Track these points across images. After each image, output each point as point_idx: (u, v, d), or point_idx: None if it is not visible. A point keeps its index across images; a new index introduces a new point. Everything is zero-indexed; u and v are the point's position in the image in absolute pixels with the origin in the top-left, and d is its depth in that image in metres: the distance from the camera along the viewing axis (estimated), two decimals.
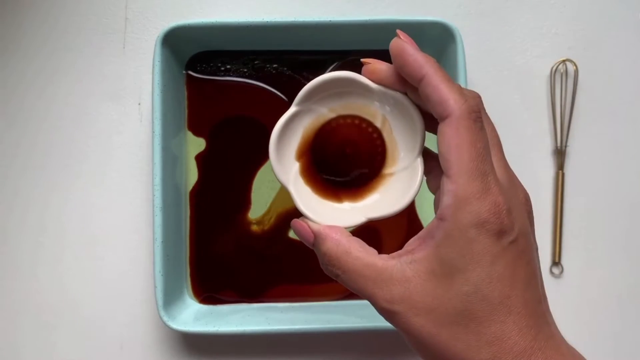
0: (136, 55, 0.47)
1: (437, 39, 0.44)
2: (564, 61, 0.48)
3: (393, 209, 0.29)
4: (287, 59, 0.47)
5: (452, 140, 0.25)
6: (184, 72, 0.46)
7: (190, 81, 0.47)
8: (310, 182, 0.31)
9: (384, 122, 0.30)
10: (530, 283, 0.25)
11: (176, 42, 0.43)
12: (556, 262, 0.47)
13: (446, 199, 0.25)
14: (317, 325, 0.43)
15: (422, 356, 0.26)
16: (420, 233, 0.27)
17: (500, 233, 0.24)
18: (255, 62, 0.47)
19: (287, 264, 0.46)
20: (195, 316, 0.44)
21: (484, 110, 0.28)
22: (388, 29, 0.44)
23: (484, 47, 0.48)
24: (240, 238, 0.46)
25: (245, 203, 0.46)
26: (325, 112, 0.31)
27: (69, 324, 0.47)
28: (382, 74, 0.28)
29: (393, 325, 0.26)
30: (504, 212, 0.24)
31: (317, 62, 0.47)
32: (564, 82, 0.48)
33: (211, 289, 0.46)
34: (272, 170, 0.30)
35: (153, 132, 0.42)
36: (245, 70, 0.47)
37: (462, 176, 0.24)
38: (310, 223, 0.29)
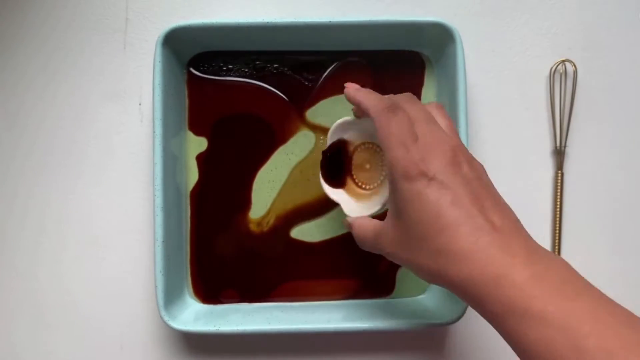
0: (137, 56, 0.48)
1: (437, 39, 0.44)
2: (563, 62, 0.48)
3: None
4: (288, 59, 0.47)
5: (377, 134, 0.35)
6: (184, 72, 0.46)
7: (191, 81, 0.47)
8: (349, 192, 0.42)
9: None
10: (461, 201, 0.31)
11: (177, 42, 0.43)
12: None
13: (386, 168, 0.37)
14: (317, 325, 0.43)
15: (422, 277, 0.34)
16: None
17: (419, 176, 0.32)
18: (256, 63, 0.47)
19: (287, 264, 0.46)
20: (196, 316, 0.44)
21: (408, 103, 0.36)
22: (388, 29, 0.44)
23: (484, 48, 0.48)
24: (240, 238, 0.46)
25: (246, 203, 0.46)
26: (349, 140, 0.42)
27: (69, 324, 0.47)
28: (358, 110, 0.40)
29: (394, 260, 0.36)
30: (419, 162, 0.32)
31: (318, 62, 0.47)
32: (563, 82, 0.48)
33: (212, 288, 0.46)
34: (325, 191, 0.42)
35: (154, 132, 0.42)
36: (245, 70, 0.47)
37: (389, 148, 0.34)
38: (348, 218, 0.40)
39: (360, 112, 0.40)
